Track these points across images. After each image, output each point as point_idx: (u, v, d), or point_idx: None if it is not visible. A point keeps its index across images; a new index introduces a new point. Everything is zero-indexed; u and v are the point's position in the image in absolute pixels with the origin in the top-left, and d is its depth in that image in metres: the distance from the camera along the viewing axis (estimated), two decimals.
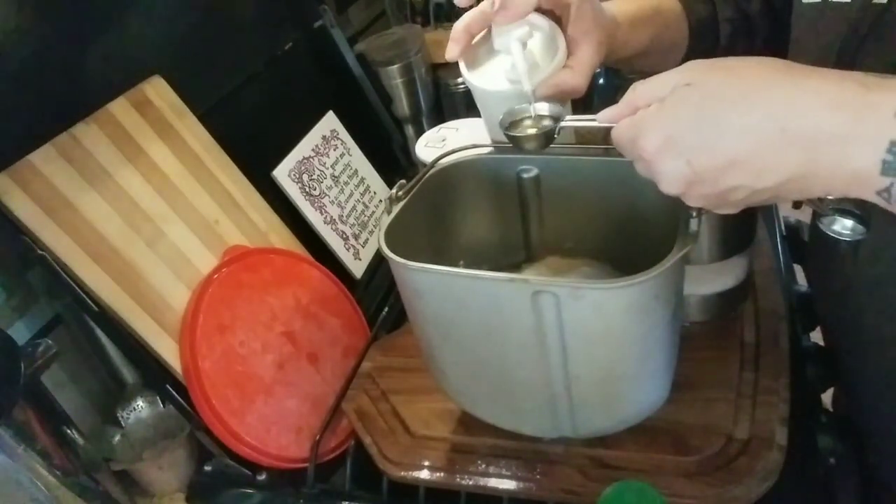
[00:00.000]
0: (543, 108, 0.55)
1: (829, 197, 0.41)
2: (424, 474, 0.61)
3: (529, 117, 0.55)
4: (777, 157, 0.38)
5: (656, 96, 0.44)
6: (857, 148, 0.36)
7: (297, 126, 0.91)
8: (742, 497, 0.53)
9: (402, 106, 1.12)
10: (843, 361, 0.66)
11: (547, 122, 0.54)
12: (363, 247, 0.93)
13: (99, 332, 0.67)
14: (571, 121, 0.54)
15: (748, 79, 0.40)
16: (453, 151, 0.66)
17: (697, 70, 0.42)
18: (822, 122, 0.37)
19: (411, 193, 0.61)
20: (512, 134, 0.54)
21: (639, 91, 0.46)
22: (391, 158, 1.09)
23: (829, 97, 0.37)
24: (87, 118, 0.65)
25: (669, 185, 0.43)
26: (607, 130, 0.49)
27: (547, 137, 0.54)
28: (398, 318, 0.82)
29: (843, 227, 0.42)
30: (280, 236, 0.80)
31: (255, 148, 0.83)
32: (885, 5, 0.48)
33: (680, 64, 0.44)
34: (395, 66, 1.08)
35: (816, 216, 0.44)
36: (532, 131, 0.54)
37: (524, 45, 0.57)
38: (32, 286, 0.68)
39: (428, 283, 0.53)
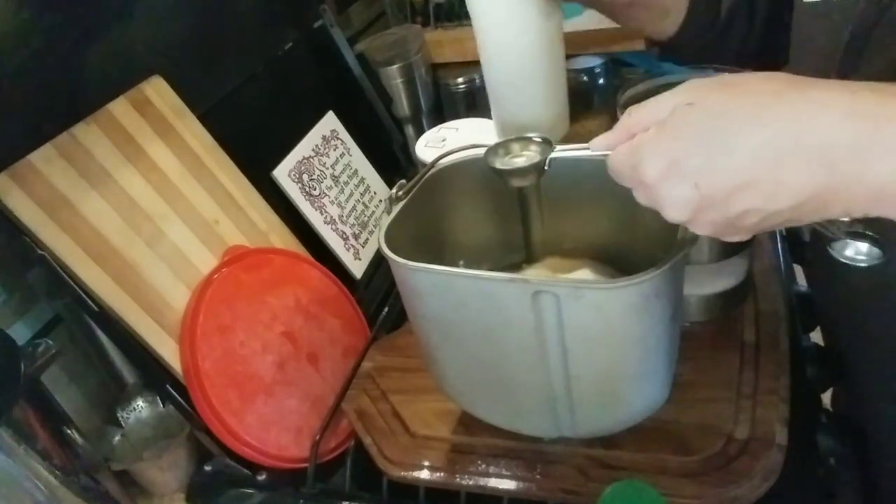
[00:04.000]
0: (533, 139, 0.54)
1: (845, 219, 0.38)
2: (424, 474, 0.61)
3: (519, 149, 0.54)
4: (792, 175, 0.35)
5: (655, 119, 0.41)
6: (880, 159, 0.33)
7: (297, 126, 0.91)
8: (742, 497, 0.53)
9: (402, 106, 1.12)
10: (844, 361, 0.66)
11: (536, 153, 0.53)
12: (363, 247, 0.93)
13: (99, 332, 0.66)
14: (562, 151, 0.52)
15: (754, 94, 0.37)
16: (453, 151, 0.66)
17: (698, 89, 0.40)
18: (840, 134, 0.34)
19: (411, 193, 0.61)
20: (500, 168, 0.53)
21: (635, 115, 0.43)
22: (391, 158, 1.09)
23: (844, 107, 0.34)
24: (87, 118, 0.65)
25: (676, 212, 0.40)
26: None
27: (537, 169, 0.52)
28: (398, 318, 0.82)
29: (857, 251, 0.39)
30: (280, 236, 0.80)
31: (255, 148, 0.83)
32: (888, 3, 0.46)
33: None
34: (395, 66, 1.08)
35: (826, 241, 0.40)
36: (521, 161, 0.53)
37: None
38: (32, 286, 0.68)
39: (428, 283, 0.53)
